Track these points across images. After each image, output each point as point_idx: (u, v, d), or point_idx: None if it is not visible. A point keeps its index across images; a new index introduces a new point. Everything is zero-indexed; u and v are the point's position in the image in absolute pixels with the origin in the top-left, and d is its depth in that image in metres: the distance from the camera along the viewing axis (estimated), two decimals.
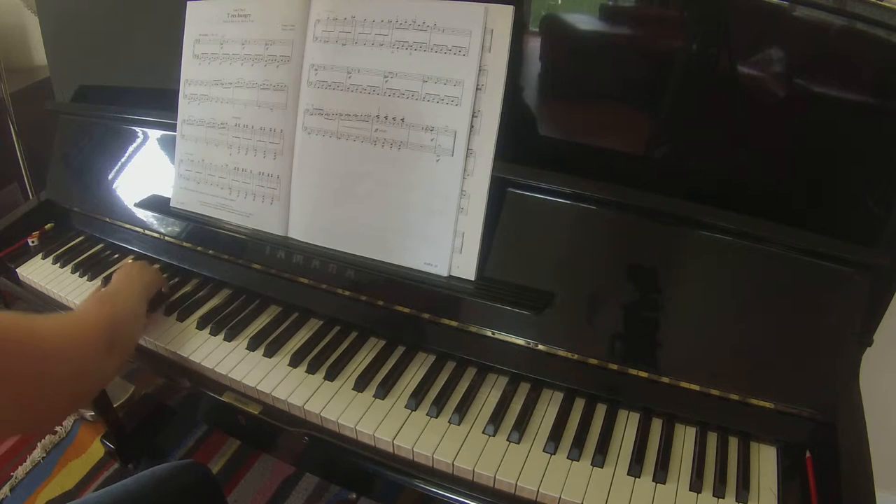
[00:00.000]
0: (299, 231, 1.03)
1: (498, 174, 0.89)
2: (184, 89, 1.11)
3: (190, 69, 1.10)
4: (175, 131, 1.13)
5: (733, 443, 0.84)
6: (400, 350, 0.99)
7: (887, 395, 1.24)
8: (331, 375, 0.93)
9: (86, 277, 1.19)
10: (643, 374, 0.85)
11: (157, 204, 1.17)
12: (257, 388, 0.92)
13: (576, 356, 0.88)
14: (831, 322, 0.80)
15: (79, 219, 1.32)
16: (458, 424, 0.86)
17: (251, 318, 1.06)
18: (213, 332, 1.03)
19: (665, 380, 0.84)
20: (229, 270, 1.11)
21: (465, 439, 0.84)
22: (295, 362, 0.96)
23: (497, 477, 0.79)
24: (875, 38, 0.74)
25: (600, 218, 0.88)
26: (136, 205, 1.19)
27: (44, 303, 1.18)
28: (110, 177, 1.26)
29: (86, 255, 1.25)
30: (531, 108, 0.93)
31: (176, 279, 1.17)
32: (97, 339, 0.78)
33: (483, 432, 0.85)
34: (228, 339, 1.01)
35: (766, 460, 0.82)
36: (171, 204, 1.15)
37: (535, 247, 0.90)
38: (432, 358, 0.97)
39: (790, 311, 0.81)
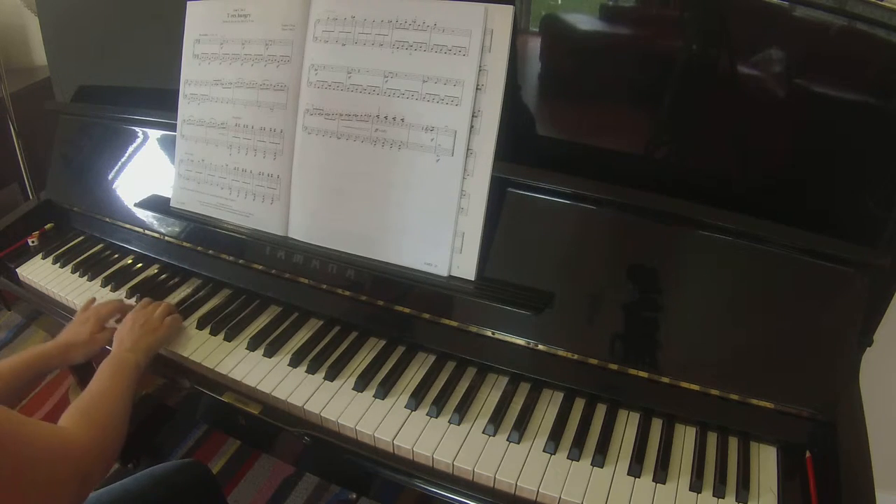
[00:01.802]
0: (299, 231, 1.03)
1: (498, 174, 0.89)
2: (184, 89, 1.11)
3: (190, 69, 1.10)
4: (175, 131, 1.13)
5: (733, 443, 0.84)
6: (400, 350, 0.99)
7: (887, 395, 1.24)
8: (331, 375, 0.93)
9: (86, 277, 1.19)
10: (643, 374, 0.85)
11: (157, 204, 1.17)
12: (257, 387, 0.92)
13: (576, 356, 0.88)
14: (831, 322, 0.80)
15: (79, 219, 1.32)
16: (458, 424, 0.86)
17: (251, 318, 1.06)
18: (213, 332, 1.03)
19: (665, 380, 0.84)
20: (229, 270, 1.11)
21: (464, 439, 0.84)
22: (295, 362, 0.96)
23: (497, 477, 0.79)
24: (875, 38, 0.74)
25: (600, 218, 0.88)
26: (136, 205, 1.20)
27: (44, 303, 1.18)
28: (110, 177, 1.26)
29: (86, 255, 1.25)
30: (531, 108, 0.93)
31: (176, 279, 1.17)
32: (83, 461, 0.70)
33: (483, 432, 0.85)
34: (228, 339, 1.01)
35: (766, 460, 0.82)
36: (171, 204, 1.15)
37: (535, 247, 0.90)
38: (432, 358, 0.97)
39: (790, 310, 0.81)
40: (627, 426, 0.87)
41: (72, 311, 1.13)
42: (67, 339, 0.98)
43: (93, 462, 0.72)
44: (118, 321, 1.04)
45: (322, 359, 0.96)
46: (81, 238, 1.31)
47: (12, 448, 0.61)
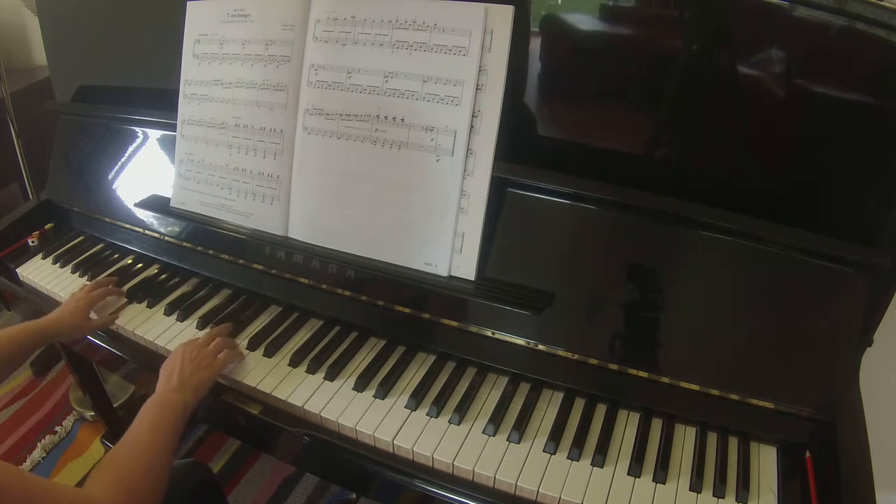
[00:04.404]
0: (299, 231, 1.03)
1: (498, 174, 0.89)
2: (184, 89, 1.11)
3: (190, 69, 1.10)
4: (175, 131, 1.13)
5: (733, 443, 0.84)
6: (400, 350, 0.99)
7: (887, 395, 1.24)
8: (331, 375, 0.93)
9: (86, 277, 1.19)
10: (643, 374, 0.85)
11: (157, 204, 1.17)
12: (257, 387, 0.92)
13: (576, 356, 0.88)
14: (831, 322, 0.80)
15: (79, 219, 1.32)
16: (458, 424, 0.86)
17: (251, 318, 1.06)
18: None
19: (665, 380, 0.84)
20: (229, 270, 1.11)
21: (464, 439, 0.84)
22: (295, 362, 0.96)
23: (497, 477, 0.79)
24: (875, 38, 0.74)
25: (600, 218, 0.88)
26: (136, 205, 1.20)
27: (44, 303, 1.18)
28: (110, 177, 1.26)
29: (86, 255, 1.25)
30: (531, 108, 0.93)
31: (176, 279, 1.17)
32: None
33: (483, 432, 0.85)
34: None
35: (766, 460, 0.82)
36: (171, 204, 1.15)
37: (534, 247, 0.90)
38: (432, 358, 0.97)
39: (790, 310, 0.81)
40: (627, 426, 0.87)
41: None
42: (59, 317, 1.02)
43: None
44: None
45: (322, 359, 0.96)
46: (81, 238, 1.31)
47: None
